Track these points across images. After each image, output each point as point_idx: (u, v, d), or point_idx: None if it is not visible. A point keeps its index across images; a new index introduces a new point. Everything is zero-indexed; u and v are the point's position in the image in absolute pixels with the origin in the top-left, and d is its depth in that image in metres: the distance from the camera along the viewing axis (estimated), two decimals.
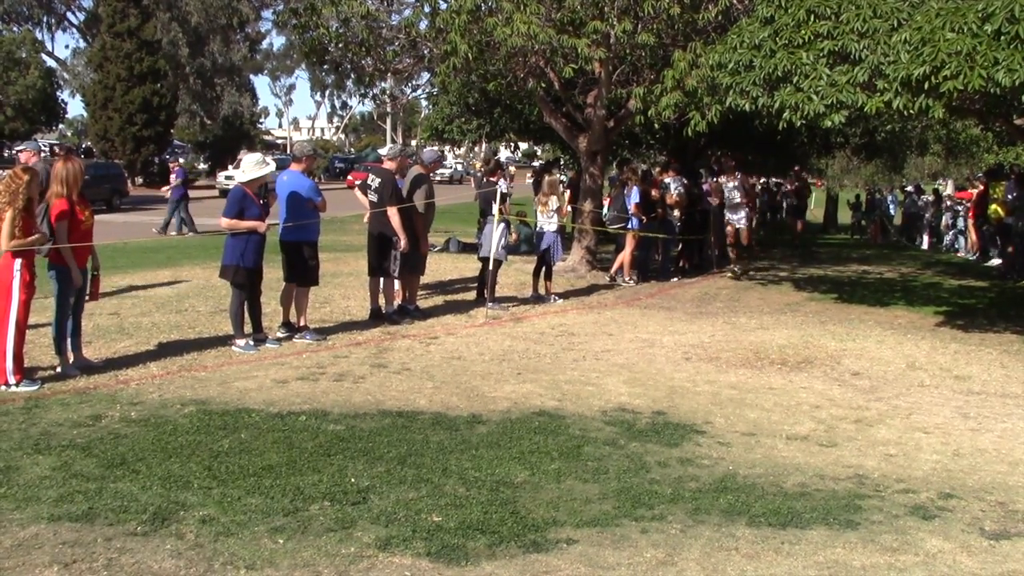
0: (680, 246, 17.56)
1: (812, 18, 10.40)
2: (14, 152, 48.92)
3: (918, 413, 7.92)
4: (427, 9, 15.32)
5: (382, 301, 11.12)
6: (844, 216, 36.29)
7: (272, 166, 9.69)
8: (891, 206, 33.89)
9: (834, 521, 5.32)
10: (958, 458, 6.72)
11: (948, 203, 28.19)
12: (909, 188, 32.51)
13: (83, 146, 57.47)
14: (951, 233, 26.06)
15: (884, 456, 6.71)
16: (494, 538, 4.85)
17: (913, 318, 12.84)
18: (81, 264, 8.12)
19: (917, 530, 5.27)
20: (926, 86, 9.29)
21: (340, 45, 15.89)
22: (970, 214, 23.05)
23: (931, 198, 29.42)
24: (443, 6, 14.85)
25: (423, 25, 15.39)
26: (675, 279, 16.32)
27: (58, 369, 8.11)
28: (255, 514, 5.07)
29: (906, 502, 5.73)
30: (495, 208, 12.04)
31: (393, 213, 10.62)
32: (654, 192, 15.93)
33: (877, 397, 8.43)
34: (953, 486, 6.08)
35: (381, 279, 11.03)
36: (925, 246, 27.69)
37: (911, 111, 9.77)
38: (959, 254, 24.35)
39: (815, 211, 37.83)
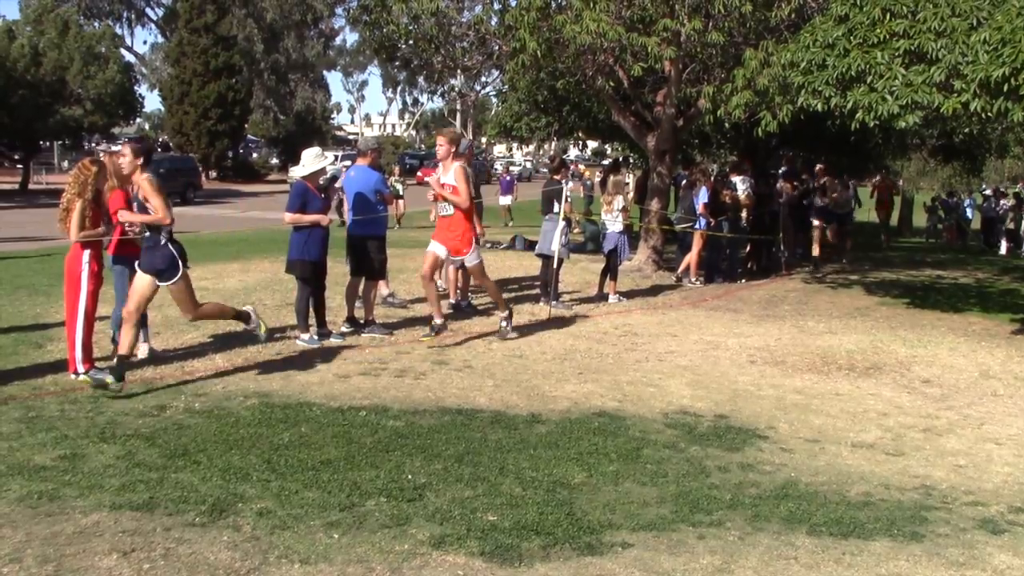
0: (748, 247, 17.34)
1: (888, 16, 10.18)
2: (93, 145, 50.11)
3: (990, 423, 7.70)
4: (496, 6, 15.33)
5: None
6: (920, 219, 35.55)
7: (330, 158, 9.80)
8: (969, 210, 33.11)
9: (898, 533, 5.19)
10: None
11: None
12: (988, 191, 31.72)
13: (159, 140, 58.70)
14: None
15: (953, 467, 6.54)
16: (549, 539, 4.81)
17: (988, 325, 12.51)
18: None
19: (985, 544, 5.11)
20: (1005, 88, 9.04)
21: (410, 42, 15.96)
22: None
23: (1011, 202, 28.67)
24: (512, 3, 14.84)
25: (493, 22, 15.40)
26: (742, 281, 16.12)
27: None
28: (311, 508, 5.09)
29: (975, 515, 5.57)
30: (556, 207, 12.00)
31: None
32: (724, 192, 15.76)
33: (948, 406, 8.22)
34: None
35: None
36: (1003, 251, 26.99)
37: (989, 113, 9.51)
38: None
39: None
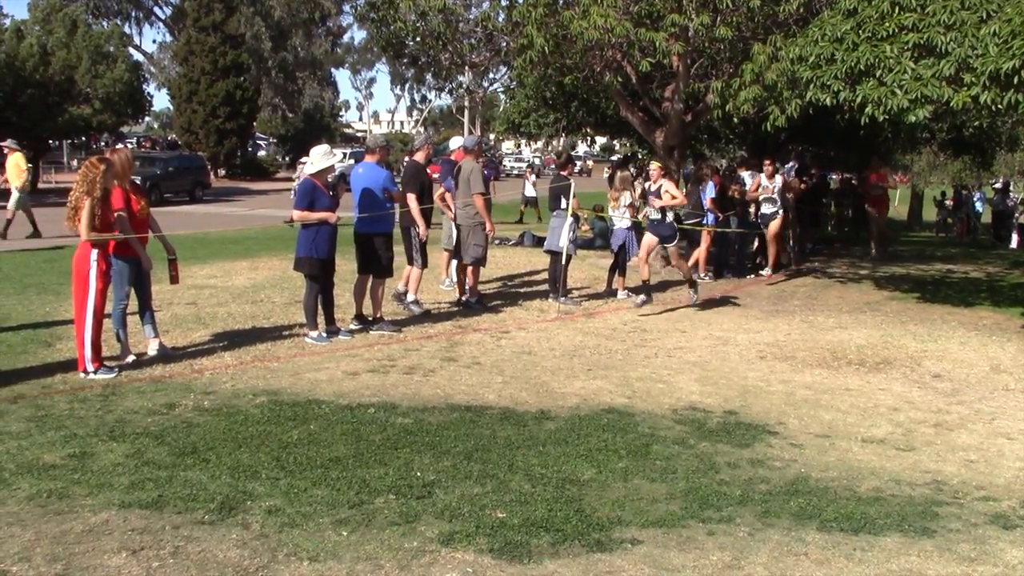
0: (756, 243, 17.28)
1: (897, 10, 10.13)
2: (101, 145, 50.22)
3: (1002, 418, 7.66)
4: (504, 2, 15.28)
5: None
6: (929, 214, 35.43)
7: (339, 156, 9.78)
8: (979, 204, 32.95)
9: (909, 528, 5.17)
10: None
11: None
12: (998, 185, 31.58)
13: (168, 138, 58.78)
14: None
15: (964, 462, 6.51)
16: (558, 536, 4.80)
17: (999, 319, 12.45)
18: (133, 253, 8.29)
19: (997, 540, 5.08)
20: (1015, 80, 8.99)
21: (417, 39, 15.94)
22: None
23: (1022, 196, 28.56)
24: None
25: (500, 18, 15.36)
26: (751, 276, 16.07)
27: (129, 358, 8.26)
28: (320, 506, 5.09)
29: (986, 510, 5.54)
30: (563, 203, 11.98)
31: (411, 200, 10.56)
32: (732, 188, 15.72)
33: (959, 400, 8.18)
34: None
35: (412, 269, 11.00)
36: (1014, 245, 26.88)
37: (999, 106, 9.46)
38: None
39: (898, 208, 36.98)
